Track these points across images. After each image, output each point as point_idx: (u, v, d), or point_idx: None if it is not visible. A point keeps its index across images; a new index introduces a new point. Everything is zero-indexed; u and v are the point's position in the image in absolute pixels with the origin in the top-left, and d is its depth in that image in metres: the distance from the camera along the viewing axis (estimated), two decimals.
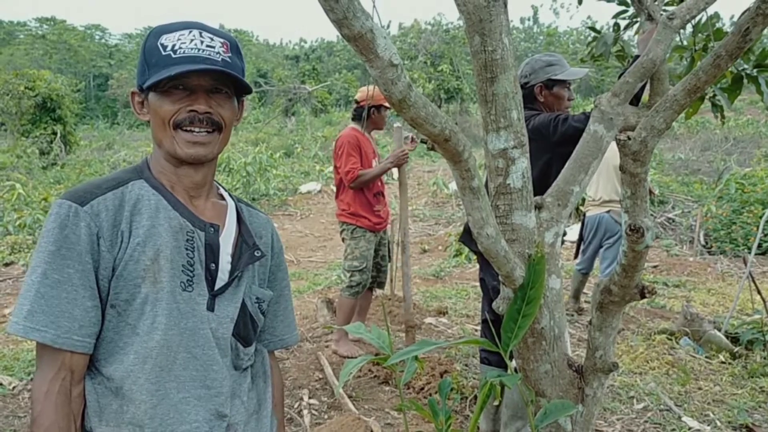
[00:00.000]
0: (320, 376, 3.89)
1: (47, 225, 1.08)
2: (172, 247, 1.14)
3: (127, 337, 1.11)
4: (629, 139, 1.35)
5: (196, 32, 1.16)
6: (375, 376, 3.84)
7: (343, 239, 4.19)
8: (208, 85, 1.15)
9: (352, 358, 3.45)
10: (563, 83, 2.78)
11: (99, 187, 1.13)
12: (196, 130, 1.15)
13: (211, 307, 1.18)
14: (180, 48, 1.13)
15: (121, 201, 1.13)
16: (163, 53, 1.13)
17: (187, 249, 1.16)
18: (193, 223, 1.18)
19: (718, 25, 2.28)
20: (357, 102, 4.16)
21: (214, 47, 1.16)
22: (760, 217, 7.93)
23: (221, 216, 1.26)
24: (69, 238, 1.07)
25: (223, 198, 1.31)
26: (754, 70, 2.19)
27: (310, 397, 3.60)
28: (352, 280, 4.06)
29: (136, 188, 1.16)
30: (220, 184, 1.33)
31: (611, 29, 2.83)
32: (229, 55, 1.18)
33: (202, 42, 1.15)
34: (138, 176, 1.19)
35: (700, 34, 2.33)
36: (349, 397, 3.55)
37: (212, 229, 1.21)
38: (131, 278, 1.10)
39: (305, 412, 3.41)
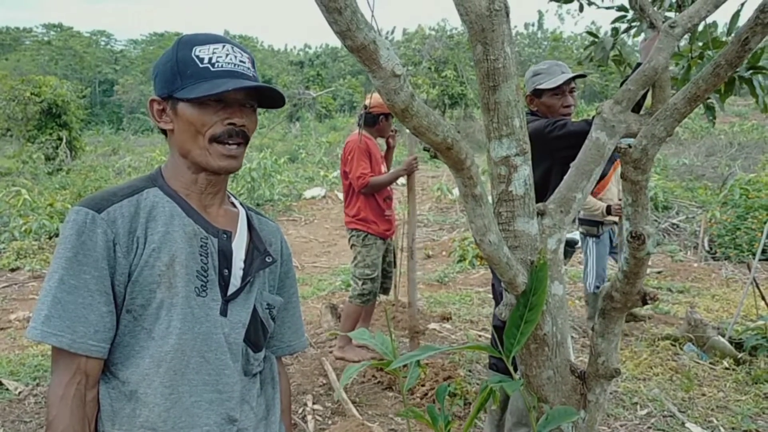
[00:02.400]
0: (324, 382, 3.90)
1: (64, 231, 1.11)
2: (187, 252, 1.16)
3: (143, 341, 1.13)
4: (630, 147, 1.36)
5: (228, 47, 1.20)
6: (379, 382, 3.84)
7: (352, 246, 4.17)
8: (242, 99, 1.19)
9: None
10: (551, 91, 2.79)
11: (115, 195, 1.16)
12: (230, 143, 1.18)
13: (224, 313, 1.20)
14: (217, 62, 1.17)
15: (136, 208, 1.16)
16: (200, 65, 1.16)
17: (201, 255, 1.18)
18: (207, 230, 1.21)
19: (715, 33, 2.29)
20: (366, 108, 4.09)
21: (244, 62, 1.20)
22: (765, 223, 7.91)
23: (233, 223, 1.29)
24: (86, 244, 1.09)
25: (234, 206, 1.34)
26: (748, 72, 2.19)
27: (314, 403, 3.61)
28: (365, 288, 4.06)
29: (151, 196, 1.19)
30: (231, 193, 1.36)
31: (609, 34, 2.84)
32: (254, 70, 1.22)
33: (235, 57, 1.19)
34: (152, 184, 1.22)
35: (697, 42, 2.34)
36: (353, 402, 3.56)
37: (225, 236, 1.23)
38: (147, 283, 1.12)
39: (309, 417, 3.42)
